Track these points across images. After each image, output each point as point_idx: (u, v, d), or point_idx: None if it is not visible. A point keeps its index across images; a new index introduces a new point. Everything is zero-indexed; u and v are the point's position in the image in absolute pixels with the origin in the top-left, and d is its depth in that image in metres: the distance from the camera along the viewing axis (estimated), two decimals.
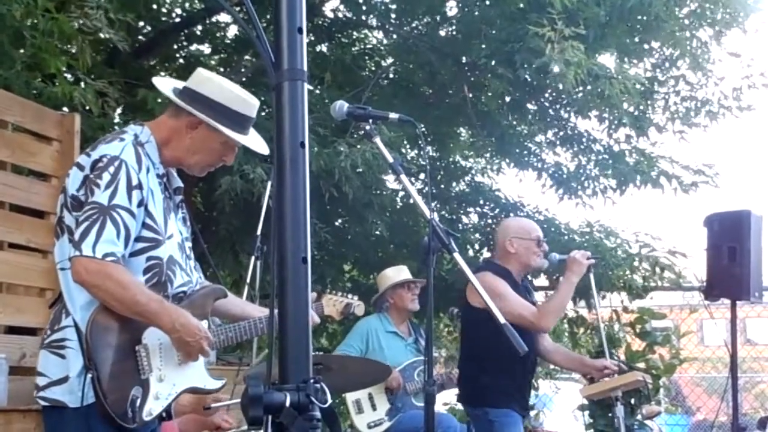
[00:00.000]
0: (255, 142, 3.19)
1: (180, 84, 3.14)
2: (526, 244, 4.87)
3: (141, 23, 7.62)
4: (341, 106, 3.32)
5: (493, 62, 7.14)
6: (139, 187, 2.88)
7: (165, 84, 3.16)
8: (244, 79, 7.29)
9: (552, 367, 8.01)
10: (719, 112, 7.95)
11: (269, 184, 5.35)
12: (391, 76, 8.62)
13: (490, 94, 7.64)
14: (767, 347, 14.12)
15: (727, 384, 5.86)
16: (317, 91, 7.61)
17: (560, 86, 6.54)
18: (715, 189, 8.03)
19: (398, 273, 5.97)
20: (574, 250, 4.86)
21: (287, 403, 1.63)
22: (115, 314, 2.85)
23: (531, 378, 5.03)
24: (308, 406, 1.64)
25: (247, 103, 3.10)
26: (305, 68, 1.71)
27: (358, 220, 7.87)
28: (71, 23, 5.34)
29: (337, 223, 8.12)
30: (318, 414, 1.66)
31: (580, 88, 6.65)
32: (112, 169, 2.85)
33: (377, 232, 8.10)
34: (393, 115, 3.32)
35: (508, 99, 7.60)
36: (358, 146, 6.54)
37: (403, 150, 8.42)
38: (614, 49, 7.41)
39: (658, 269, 7.71)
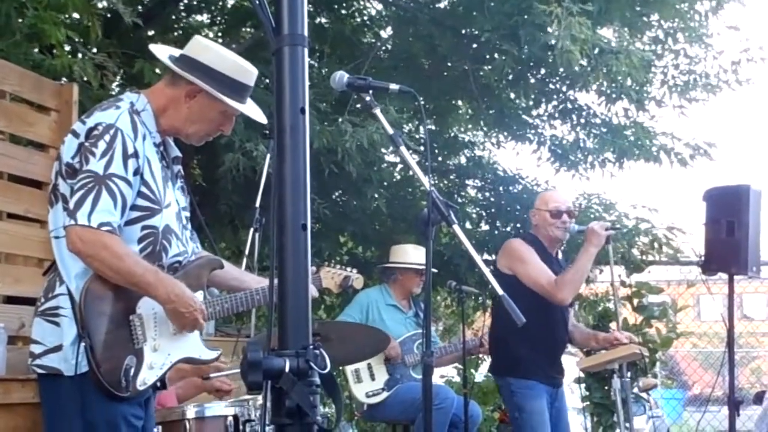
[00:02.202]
0: (253, 110, 3.17)
1: (177, 52, 3.10)
2: (543, 215, 4.90)
3: None
4: (341, 76, 3.30)
5: (496, 38, 7.10)
6: (135, 155, 2.86)
7: (162, 51, 3.11)
8: (243, 50, 7.25)
9: None
10: (717, 86, 7.94)
11: (268, 156, 5.34)
12: (390, 48, 8.57)
13: (489, 68, 7.61)
14: (763, 322, 14.18)
15: (724, 358, 5.87)
16: (316, 65, 7.58)
17: (566, 61, 6.50)
18: (716, 164, 8.06)
19: (417, 255, 5.83)
20: (593, 221, 4.86)
21: (287, 369, 1.64)
22: (109, 283, 2.84)
23: (562, 345, 5.00)
24: (307, 372, 1.64)
25: (246, 71, 3.08)
26: (306, 33, 1.70)
27: (357, 194, 7.86)
28: None
29: (334, 197, 8.11)
30: (317, 380, 1.66)
31: (584, 62, 6.60)
32: (107, 137, 2.82)
33: (375, 205, 8.09)
34: (393, 86, 3.29)
35: (509, 73, 7.58)
36: (362, 125, 6.51)
37: (402, 123, 8.39)
38: (618, 22, 7.37)
39: (656, 245, 7.72)
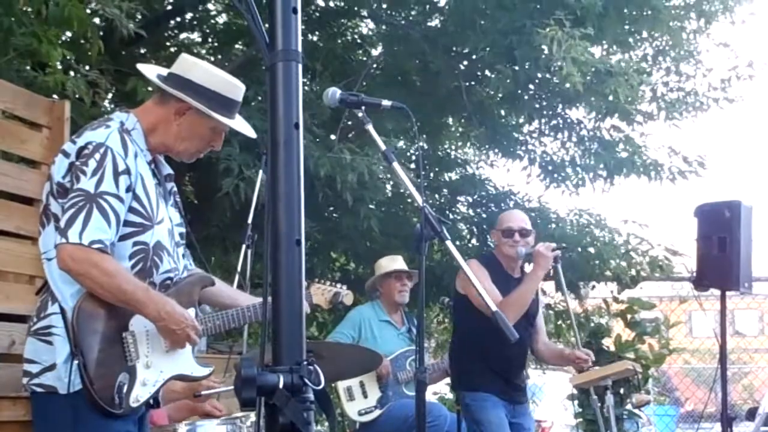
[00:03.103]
0: (242, 126, 3.18)
1: (164, 71, 3.12)
2: (497, 236, 5.00)
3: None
4: (334, 93, 3.31)
5: (491, 57, 7.13)
6: (127, 172, 2.87)
7: (149, 70, 3.13)
8: (234, 68, 7.26)
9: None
10: (706, 103, 7.99)
11: (260, 172, 5.34)
12: (383, 66, 8.60)
13: (486, 86, 7.65)
14: (755, 338, 14.19)
15: (716, 375, 5.87)
16: (307, 82, 7.59)
17: (566, 85, 6.54)
18: (707, 180, 8.10)
19: (390, 263, 5.96)
20: (540, 243, 4.90)
21: (280, 385, 1.63)
22: (101, 301, 2.84)
23: (517, 365, 5.02)
24: (301, 388, 1.63)
25: (235, 86, 3.09)
26: (300, 49, 1.70)
27: (349, 213, 7.86)
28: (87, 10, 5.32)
29: (326, 214, 8.10)
30: (311, 396, 1.65)
31: (579, 79, 6.64)
32: (98, 156, 2.83)
33: (366, 225, 8.08)
34: (386, 102, 3.31)
35: (503, 94, 7.64)
36: (360, 151, 6.53)
37: (396, 141, 8.42)
38: (611, 41, 7.41)
39: (657, 267, 7.73)
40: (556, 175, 8.35)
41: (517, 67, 7.10)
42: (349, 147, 6.64)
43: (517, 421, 4.91)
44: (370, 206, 7.63)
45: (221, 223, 7.59)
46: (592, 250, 7.84)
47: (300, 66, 1.70)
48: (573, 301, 8.32)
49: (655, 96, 8.06)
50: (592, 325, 8.00)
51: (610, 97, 6.65)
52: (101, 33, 6.65)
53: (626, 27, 7.46)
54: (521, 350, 4.99)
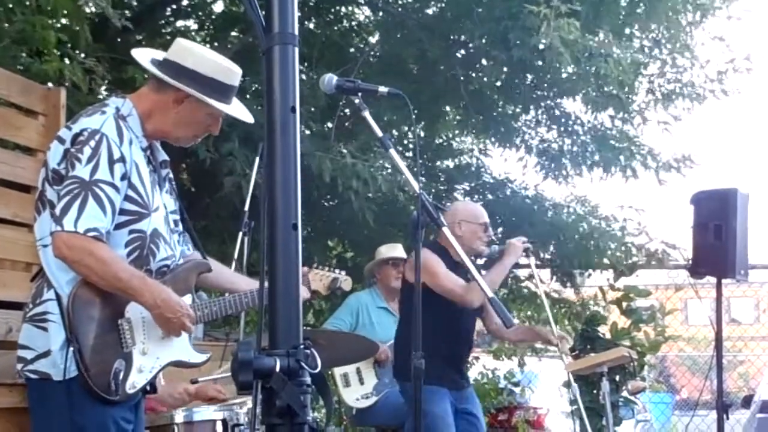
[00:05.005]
0: (239, 110, 3.17)
1: (159, 55, 3.10)
2: (473, 228, 4.94)
3: None
4: (330, 79, 3.31)
5: (486, 45, 7.11)
6: (122, 160, 2.86)
7: (144, 55, 3.11)
8: (231, 55, 7.23)
9: (538, 344, 8.10)
10: (703, 95, 7.99)
11: (257, 159, 5.34)
12: (380, 54, 8.58)
13: (481, 74, 7.63)
14: (751, 326, 14.23)
15: (712, 362, 5.90)
16: (303, 70, 7.56)
17: (556, 65, 6.52)
18: (704, 169, 8.11)
19: (389, 250, 5.99)
20: (513, 238, 4.93)
21: (277, 368, 1.63)
22: (97, 288, 2.84)
23: (462, 354, 5.05)
24: (298, 372, 1.64)
25: (231, 72, 3.08)
26: (296, 32, 1.70)
27: (347, 205, 7.84)
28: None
29: (322, 202, 8.10)
30: (308, 379, 1.65)
31: (572, 68, 6.61)
32: (93, 143, 2.83)
33: (363, 215, 8.08)
34: (382, 89, 3.30)
35: (499, 79, 7.61)
36: (361, 157, 6.53)
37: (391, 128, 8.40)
38: (607, 27, 7.39)
39: (655, 260, 7.75)
40: (551, 165, 8.36)
41: (515, 53, 7.08)
42: (349, 150, 6.64)
43: (464, 407, 4.93)
44: (368, 195, 7.63)
45: (219, 215, 7.58)
46: (588, 237, 7.85)
47: (296, 49, 1.70)
48: (568, 289, 8.34)
49: (652, 87, 8.05)
50: (588, 312, 8.01)
51: (608, 81, 6.63)
52: (96, 20, 6.63)
53: (621, 16, 7.45)
54: (468, 339, 5.06)
